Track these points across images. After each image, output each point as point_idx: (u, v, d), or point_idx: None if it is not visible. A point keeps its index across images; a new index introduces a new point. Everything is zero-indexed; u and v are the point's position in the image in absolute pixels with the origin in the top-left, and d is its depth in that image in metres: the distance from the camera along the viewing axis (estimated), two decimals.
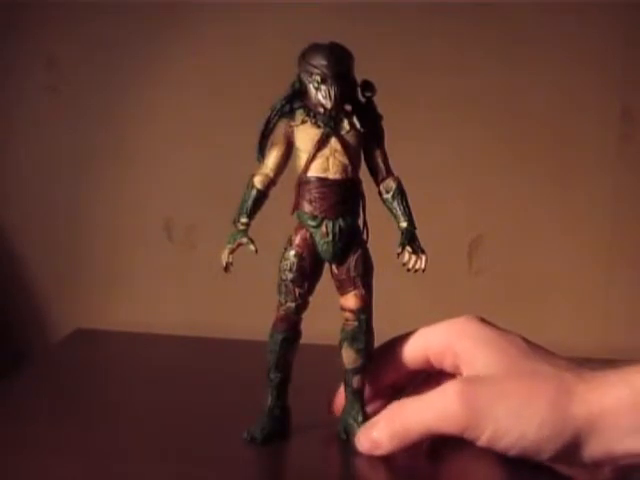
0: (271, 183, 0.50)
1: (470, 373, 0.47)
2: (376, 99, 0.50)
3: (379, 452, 0.48)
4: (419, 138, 0.83)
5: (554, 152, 0.85)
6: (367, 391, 0.52)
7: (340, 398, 0.52)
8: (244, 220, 0.49)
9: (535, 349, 0.48)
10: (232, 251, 0.49)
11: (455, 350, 0.48)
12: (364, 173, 0.50)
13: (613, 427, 0.43)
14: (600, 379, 0.44)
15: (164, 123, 0.85)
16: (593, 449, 0.43)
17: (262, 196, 0.50)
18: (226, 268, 0.49)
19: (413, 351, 0.51)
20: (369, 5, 0.82)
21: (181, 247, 0.86)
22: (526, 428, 0.43)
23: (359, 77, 0.50)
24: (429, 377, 0.52)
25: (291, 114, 0.49)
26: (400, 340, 0.52)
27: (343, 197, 0.49)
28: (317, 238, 0.49)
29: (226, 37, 0.83)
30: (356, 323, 0.50)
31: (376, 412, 0.50)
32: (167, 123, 0.85)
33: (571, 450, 0.43)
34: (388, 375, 0.52)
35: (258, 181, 0.50)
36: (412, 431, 0.47)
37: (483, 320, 0.50)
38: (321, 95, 0.48)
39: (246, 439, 0.50)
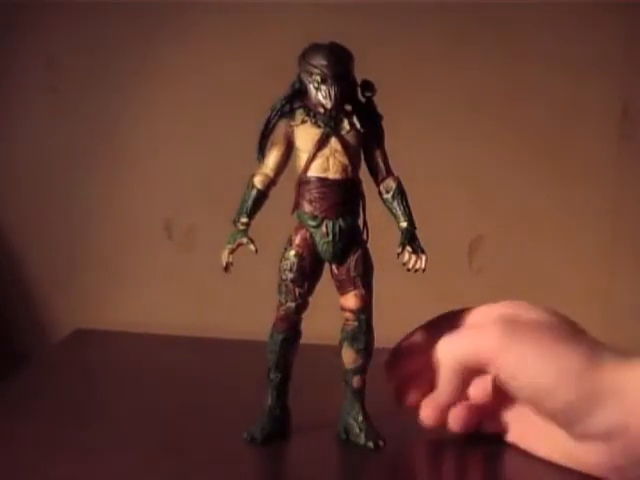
0: (271, 183, 0.50)
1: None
2: (376, 99, 0.50)
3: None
4: (419, 138, 0.83)
5: (554, 152, 0.85)
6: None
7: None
8: (244, 220, 0.49)
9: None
10: (232, 251, 0.49)
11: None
12: (364, 173, 0.50)
13: (635, 400, 0.43)
14: (633, 360, 0.45)
15: (164, 123, 0.85)
16: (608, 416, 0.44)
17: (262, 196, 0.50)
18: (226, 268, 0.49)
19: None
20: (369, 5, 0.82)
21: (181, 247, 0.86)
22: (548, 367, 0.44)
23: (359, 77, 0.50)
24: None
25: (291, 114, 0.49)
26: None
27: (343, 197, 0.49)
28: (317, 238, 0.49)
29: (226, 37, 0.83)
30: (356, 323, 0.50)
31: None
32: (167, 123, 0.85)
33: (585, 408, 0.44)
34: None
35: (258, 181, 0.50)
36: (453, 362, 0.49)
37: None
38: (321, 95, 0.48)
39: (246, 439, 0.50)
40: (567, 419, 0.45)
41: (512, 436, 0.51)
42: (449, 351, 0.49)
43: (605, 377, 0.44)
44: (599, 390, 0.44)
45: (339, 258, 0.50)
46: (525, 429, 0.50)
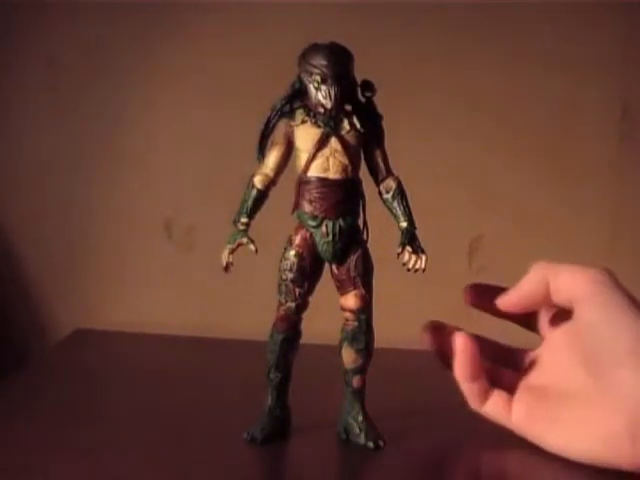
0: (271, 183, 0.50)
1: None
2: (376, 99, 0.50)
3: None
4: (419, 138, 0.83)
5: (554, 152, 0.85)
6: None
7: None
8: (244, 220, 0.49)
9: None
10: (232, 251, 0.49)
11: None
12: (364, 173, 0.50)
13: None
14: None
15: (164, 123, 0.85)
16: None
17: (262, 196, 0.50)
18: (226, 268, 0.49)
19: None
20: (369, 5, 0.82)
21: (181, 247, 0.86)
22: (626, 319, 0.47)
23: (359, 77, 0.50)
24: None
25: (291, 114, 0.49)
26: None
27: (343, 197, 0.49)
28: (317, 238, 0.49)
29: (226, 37, 0.83)
30: (356, 323, 0.50)
31: None
32: (167, 123, 0.85)
33: (634, 359, 0.45)
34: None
35: (258, 181, 0.50)
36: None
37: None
38: (321, 95, 0.48)
39: (246, 439, 0.50)
40: (612, 362, 0.46)
41: (522, 417, 0.50)
42: (544, 269, 0.52)
43: None
44: None
45: (339, 258, 0.50)
46: (538, 410, 0.50)
